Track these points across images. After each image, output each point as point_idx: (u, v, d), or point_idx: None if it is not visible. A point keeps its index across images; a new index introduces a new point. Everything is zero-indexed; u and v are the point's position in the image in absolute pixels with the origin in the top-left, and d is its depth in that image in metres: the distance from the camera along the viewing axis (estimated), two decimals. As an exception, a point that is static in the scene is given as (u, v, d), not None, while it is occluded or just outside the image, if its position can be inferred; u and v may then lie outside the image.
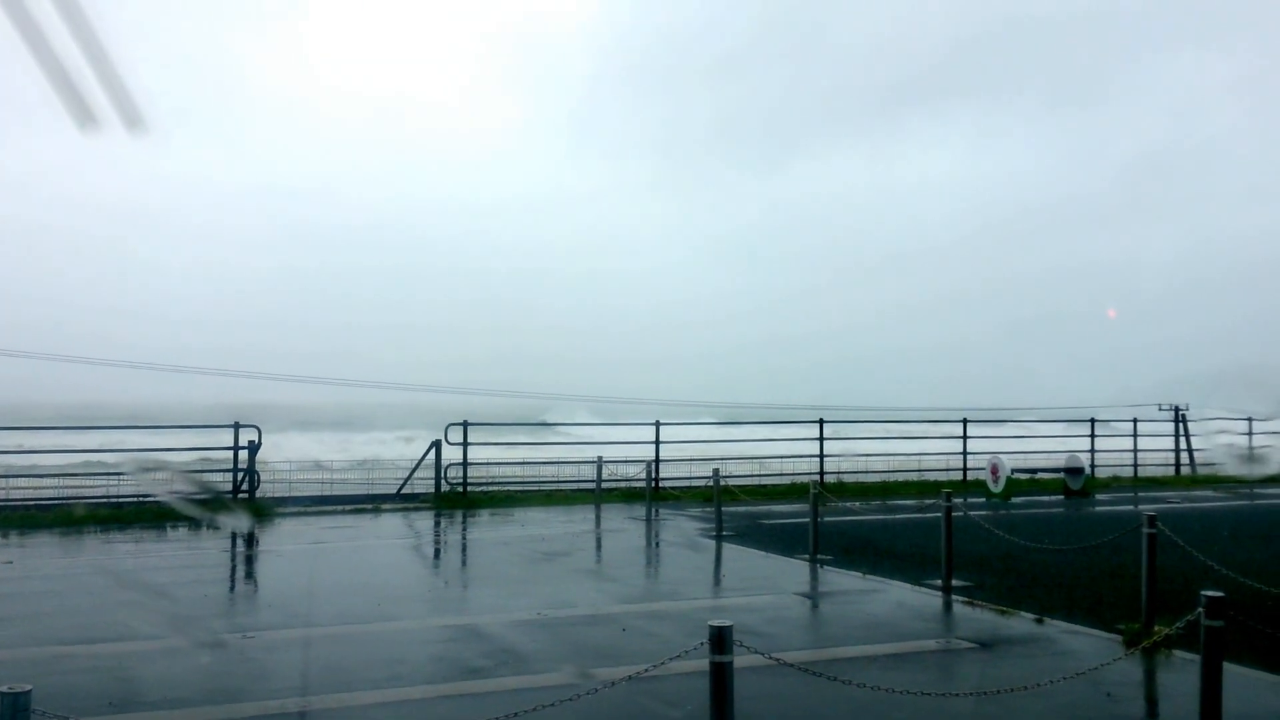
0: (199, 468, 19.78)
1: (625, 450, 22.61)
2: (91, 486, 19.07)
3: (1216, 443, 30.27)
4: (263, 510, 18.31)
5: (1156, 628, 8.07)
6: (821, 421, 24.40)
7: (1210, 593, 5.55)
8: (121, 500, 18.59)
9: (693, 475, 23.13)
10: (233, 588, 11.88)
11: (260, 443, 18.91)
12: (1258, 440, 30.15)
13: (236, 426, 18.71)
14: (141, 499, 18.68)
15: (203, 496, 18.93)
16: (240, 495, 18.68)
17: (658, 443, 22.58)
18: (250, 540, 15.61)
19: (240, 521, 17.37)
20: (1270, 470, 29.38)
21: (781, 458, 25.06)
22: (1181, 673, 7.37)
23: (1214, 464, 29.85)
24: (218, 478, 19.29)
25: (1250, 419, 30.25)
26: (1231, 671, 6.06)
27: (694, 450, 24.04)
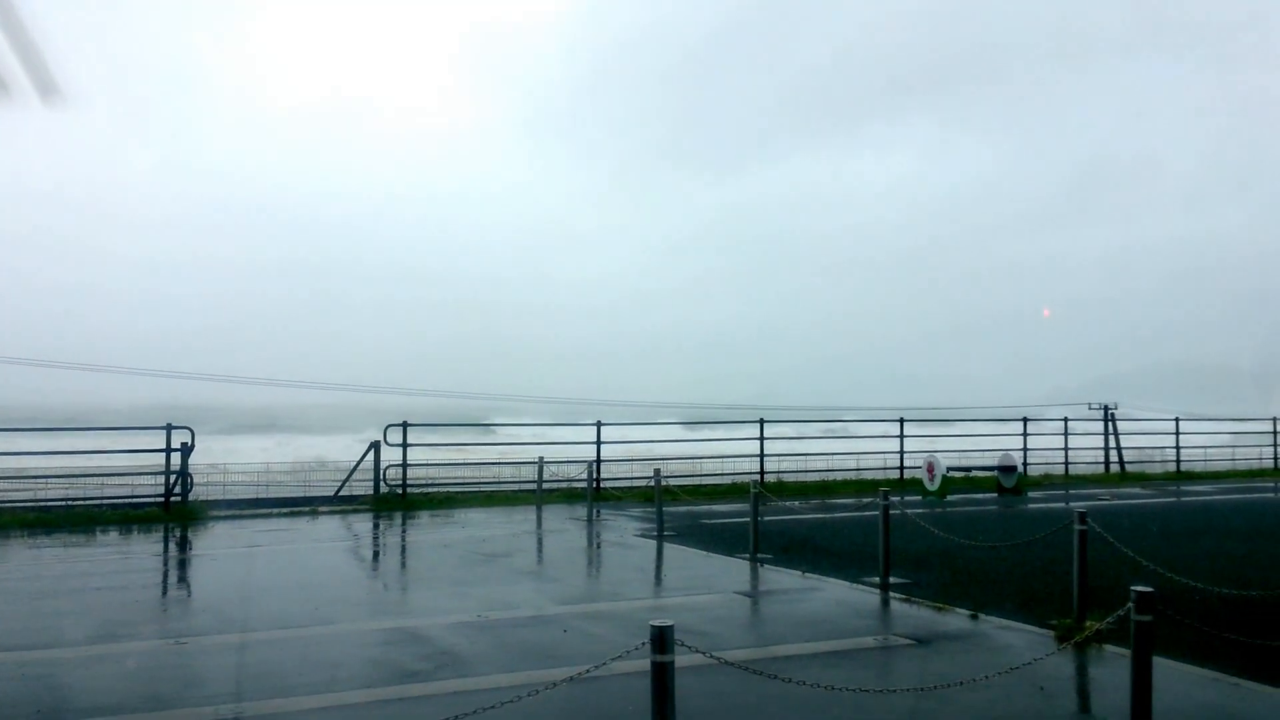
0: (129, 471, 19.39)
1: (566, 451, 22.60)
2: (17, 490, 18.61)
3: (1151, 440, 31.00)
4: (196, 514, 18.01)
5: (1088, 623, 8.23)
6: (762, 421, 24.56)
7: (1139, 588, 5.66)
8: (49, 504, 18.17)
9: (634, 475, 23.17)
10: (164, 593, 11.66)
11: (193, 445, 18.58)
12: (1186, 440, 30.91)
13: (169, 428, 18.37)
14: (70, 503, 18.27)
15: (133, 500, 18.58)
16: (173, 499, 18.34)
17: (599, 443, 22.58)
18: (183, 544, 15.34)
19: (173, 526, 17.06)
20: (1207, 463, 30.18)
21: (722, 458, 25.20)
22: (1112, 667, 7.52)
23: (1150, 460, 30.60)
24: (149, 481, 18.94)
25: (1177, 419, 31.01)
26: (1161, 665, 6.20)
27: (635, 450, 24.06)
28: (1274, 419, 32.71)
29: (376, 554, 15.10)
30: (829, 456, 26.28)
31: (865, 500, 19.33)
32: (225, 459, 22.76)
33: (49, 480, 18.98)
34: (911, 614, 9.68)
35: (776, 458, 25.18)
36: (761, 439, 24.49)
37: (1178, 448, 30.80)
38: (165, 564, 13.87)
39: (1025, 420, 28.14)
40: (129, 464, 19.53)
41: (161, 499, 18.35)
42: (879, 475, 25.66)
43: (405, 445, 20.70)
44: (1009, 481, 23.67)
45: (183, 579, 12.85)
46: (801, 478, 25.00)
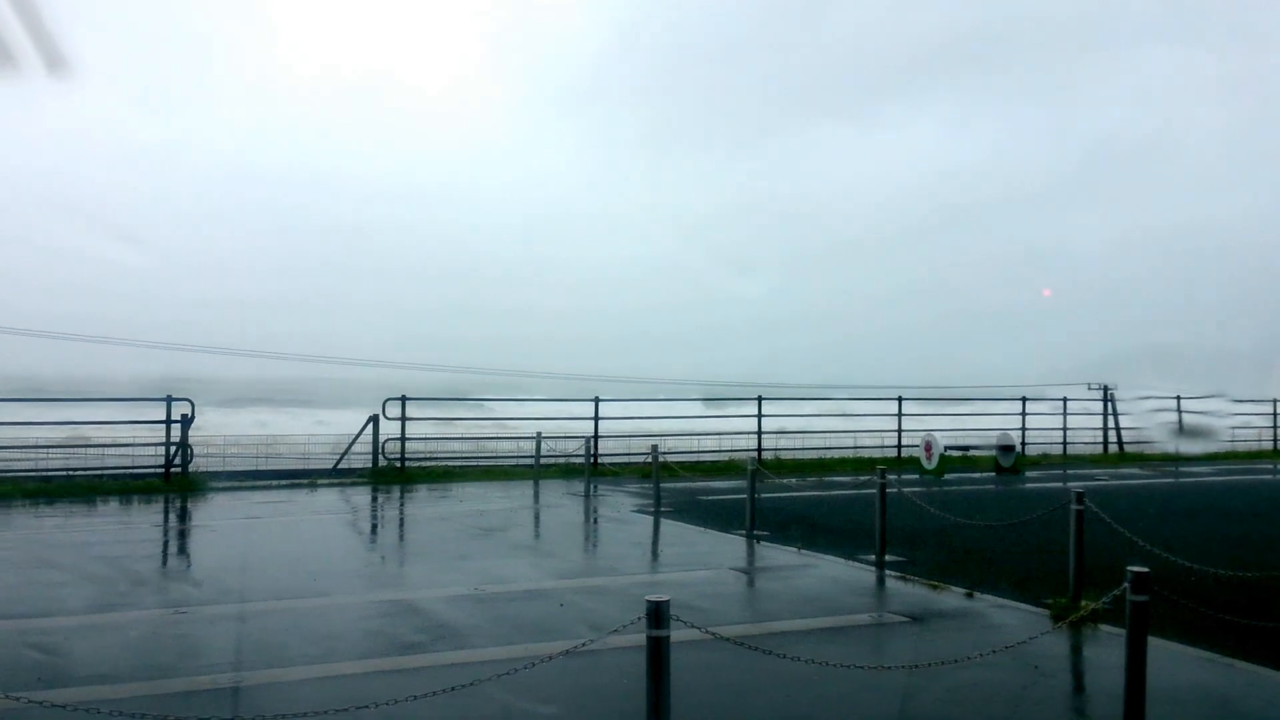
0: (130, 441, 19.44)
1: (564, 426, 22.62)
2: (19, 460, 18.65)
3: (1151, 420, 30.95)
4: (196, 485, 18.05)
5: (1083, 602, 8.25)
6: (760, 399, 24.58)
7: (1135, 568, 5.67)
8: (50, 474, 18.21)
9: (631, 451, 23.20)
10: (164, 563, 11.70)
11: (193, 417, 18.61)
12: (1188, 419, 30.90)
13: (169, 400, 18.39)
14: (71, 473, 18.32)
15: (134, 471, 18.62)
16: (173, 470, 18.38)
17: (597, 419, 22.60)
18: (182, 515, 15.38)
19: (173, 496, 17.10)
20: (1208, 443, 30.17)
21: (720, 434, 25.23)
22: (1107, 646, 7.55)
23: (1149, 441, 30.55)
24: (150, 452, 18.98)
25: (1179, 397, 31.00)
26: (1156, 645, 6.22)
27: (633, 426, 24.09)
28: (1274, 401, 32.73)
29: (374, 527, 15.15)
30: (827, 434, 26.32)
31: (862, 478, 19.37)
32: (225, 431, 22.82)
33: (51, 450, 19.03)
34: (907, 592, 9.72)
35: (774, 435, 25.21)
36: (760, 416, 24.51)
37: (1182, 423, 30.74)
38: (165, 534, 13.91)
39: (1024, 400, 28.15)
40: (130, 435, 19.57)
41: (162, 470, 18.40)
42: (877, 454, 25.70)
43: (404, 419, 20.72)
44: (1007, 461, 23.71)
45: (182, 549, 12.90)
46: (799, 455, 25.05)
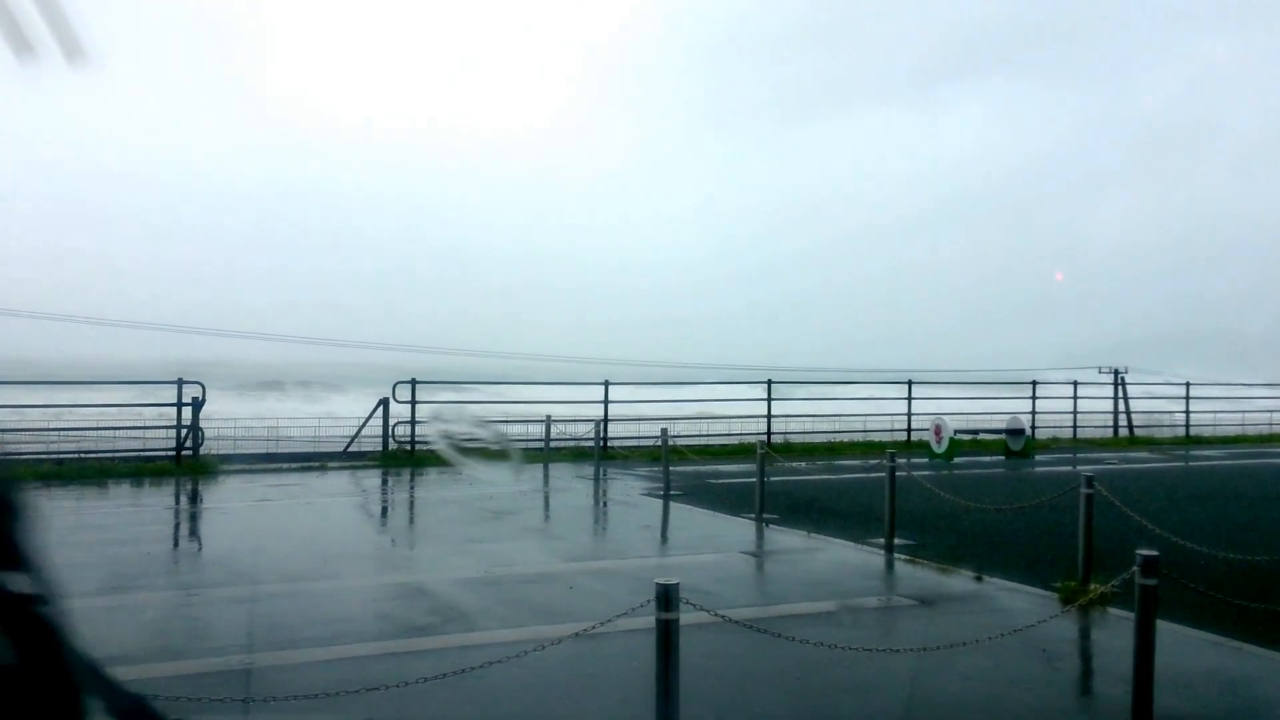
0: (142, 424, 19.51)
1: (574, 410, 22.64)
2: (33, 442, 18.75)
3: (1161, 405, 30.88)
4: (207, 467, 18.11)
5: (1092, 586, 8.25)
6: (770, 382, 24.55)
7: (1144, 552, 5.67)
8: (62, 456, 18.29)
9: (641, 435, 23.20)
10: (175, 545, 11.76)
11: (204, 399, 18.67)
12: (1195, 405, 30.83)
13: (180, 383, 18.44)
14: (83, 455, 18.40)
15: (145, 454, 18.70)
16: (184, 452, 18.45)
17: (606, 402, 22.60)
18: (194, 498, 15.45)
19: (184, 479, 17.17)
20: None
21: (730, 418, 25.21)
22: (1116, 630, 7.55)
23: (1159, 424, 30.51)
24: (161, 434, 19.05)
25: (1188, 384, 30.92)
26: (1164, 629, 6.22)
27: (643, 410, 24.09)
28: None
29: (384, 510, 15.19)
30: (836, 418, 26.29)
31: (871, 462, 19.36)
32: (236, 414, 22.88)
33: (63, 432, 19.12)
34: (916, 575, 9.72)
35: (784, 419, 25.20)
36: (769, 399, 24.49)
37: (1187, 412, 30.75)
38: (176, 517, 13.98)
39: (1034, 383, 28.08)
40: (142, 418, 19.64)
41: (173, 452, 18.46)
42: (886, 437, 25.66)
43: (414, 402, 20.76)
44: (1017, 444, 23.67)
45: (193, 532, 12.96)
46: (808, 439, 25.04)
